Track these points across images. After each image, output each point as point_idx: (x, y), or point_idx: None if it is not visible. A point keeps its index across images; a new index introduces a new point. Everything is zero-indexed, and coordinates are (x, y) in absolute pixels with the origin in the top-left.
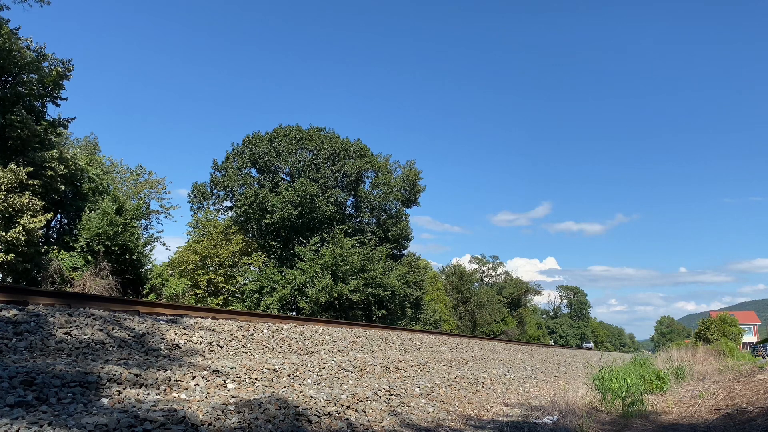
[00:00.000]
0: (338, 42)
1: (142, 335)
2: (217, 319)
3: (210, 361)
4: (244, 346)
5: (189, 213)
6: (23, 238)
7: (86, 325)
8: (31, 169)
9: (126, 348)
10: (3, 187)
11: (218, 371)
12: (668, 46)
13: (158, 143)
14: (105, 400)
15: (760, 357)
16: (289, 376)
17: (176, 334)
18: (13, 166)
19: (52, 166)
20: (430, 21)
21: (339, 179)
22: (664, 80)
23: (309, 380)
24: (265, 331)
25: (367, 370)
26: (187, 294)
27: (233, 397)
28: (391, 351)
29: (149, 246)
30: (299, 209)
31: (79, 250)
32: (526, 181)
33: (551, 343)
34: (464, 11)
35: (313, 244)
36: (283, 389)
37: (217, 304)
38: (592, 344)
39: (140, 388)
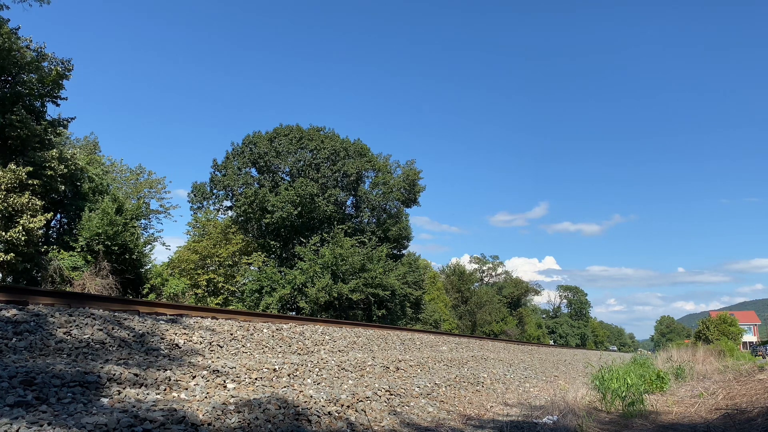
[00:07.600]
0: (338, 42)
1: (142, 335)
2: (217, 319)
3: (210, 361)
4: (244, 346)
5: (189, 213)
6: (23, 238)
7: (86, 324)
8: (31, 168)
9: (126, 348)
10: (3, 187)
11: (218, 371)
12: (665, 46)
13: (158, 143)
14: (105, 400)
15: (760, 357)
16: (289, 375)
17: (176, 334)
18: (13, 166)
19: (52, 165)
20: (430, 22)
21: (339, 179)
22: (662, 81)
23: (309, 380)
24: (265, 330)
25: (367, 369)
26: (186, 294)
27: (233, 396)
28: (391, 351)
29: (149, 246)
30: (299, 209)
31: (79, 249)
32: (523, 182)
33: (551, 342)
34: (464, 12)
35: (313, 243)
36: (283, 389)
37: (217, 303)
38: (616, 348)
39: (140, 387)
